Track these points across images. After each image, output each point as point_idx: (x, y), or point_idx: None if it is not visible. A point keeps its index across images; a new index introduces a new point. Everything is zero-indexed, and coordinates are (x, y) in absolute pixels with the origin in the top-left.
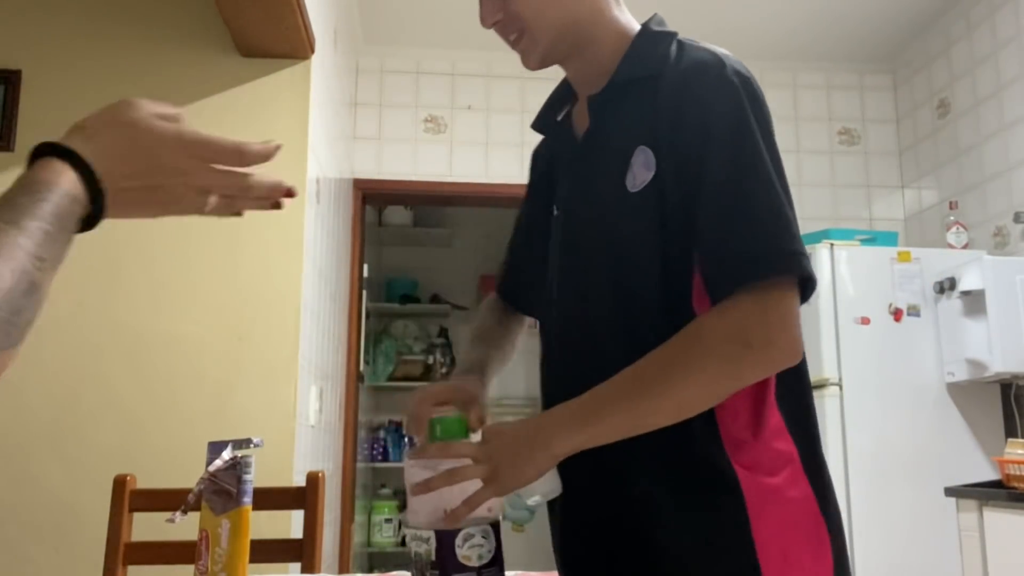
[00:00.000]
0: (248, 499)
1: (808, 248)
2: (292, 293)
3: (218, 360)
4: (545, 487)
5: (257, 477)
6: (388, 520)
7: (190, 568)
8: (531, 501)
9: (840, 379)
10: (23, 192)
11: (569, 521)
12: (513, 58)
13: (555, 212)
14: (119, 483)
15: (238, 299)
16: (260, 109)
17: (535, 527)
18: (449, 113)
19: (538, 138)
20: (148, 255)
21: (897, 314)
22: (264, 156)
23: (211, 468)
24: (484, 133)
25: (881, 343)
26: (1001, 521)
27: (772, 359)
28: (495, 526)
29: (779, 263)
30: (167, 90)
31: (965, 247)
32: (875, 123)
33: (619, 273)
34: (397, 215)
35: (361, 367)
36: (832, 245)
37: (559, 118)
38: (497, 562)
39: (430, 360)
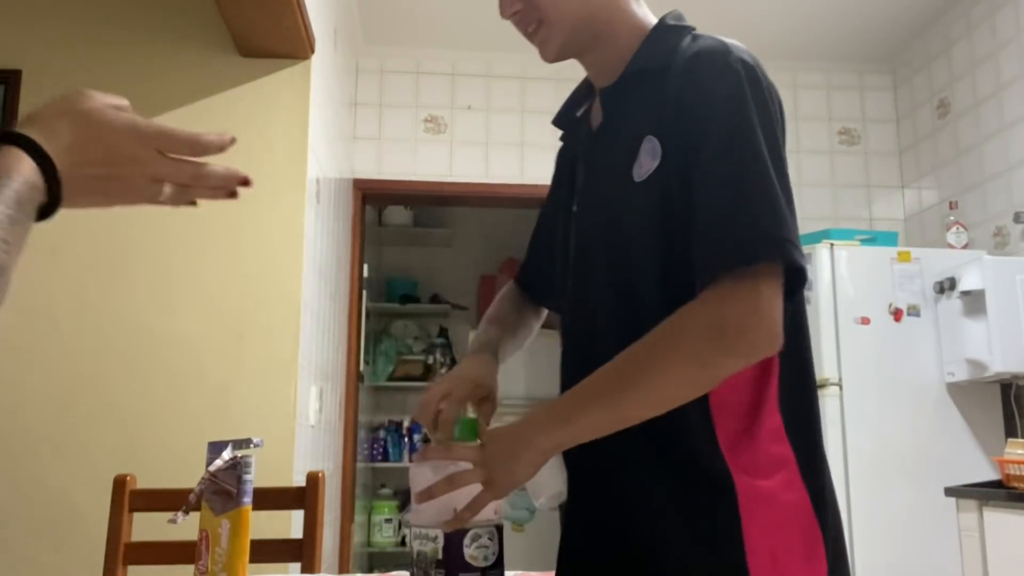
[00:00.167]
0: (248, 499)
1: (808, 248)
2: (292, 293)
3: (218, 360)
4: (550, 489)
5: (257, 477)
6: (388, 520)
7: (190, 568)
8: (538, 503)
9: (840, 379)
10: None
11: (571, 516)
12: (513, 58)
13: (574, 208)
14: (119, 483)
15: (238, 299)
16: (260, 109)
17: (535, 527)
18: (449, 113)
19: (537, 138)
20: (148, 255)
21: (897, 314)
22: (218, 147)
23: (211, 468)
24: (484, 133)
25: (881, 343)
26: (1001, 521)
27: (746, 347)
28: (499, 528)
29: (761, 249)
30: (167, 90)
31: (965, 247)
32: (875, 123)
33: (621, 264)
34: (397, 215)
35: (361, 367)
36: (832, 245)
37: (579, 114)
38: (499, 564)
39: (430, 360)
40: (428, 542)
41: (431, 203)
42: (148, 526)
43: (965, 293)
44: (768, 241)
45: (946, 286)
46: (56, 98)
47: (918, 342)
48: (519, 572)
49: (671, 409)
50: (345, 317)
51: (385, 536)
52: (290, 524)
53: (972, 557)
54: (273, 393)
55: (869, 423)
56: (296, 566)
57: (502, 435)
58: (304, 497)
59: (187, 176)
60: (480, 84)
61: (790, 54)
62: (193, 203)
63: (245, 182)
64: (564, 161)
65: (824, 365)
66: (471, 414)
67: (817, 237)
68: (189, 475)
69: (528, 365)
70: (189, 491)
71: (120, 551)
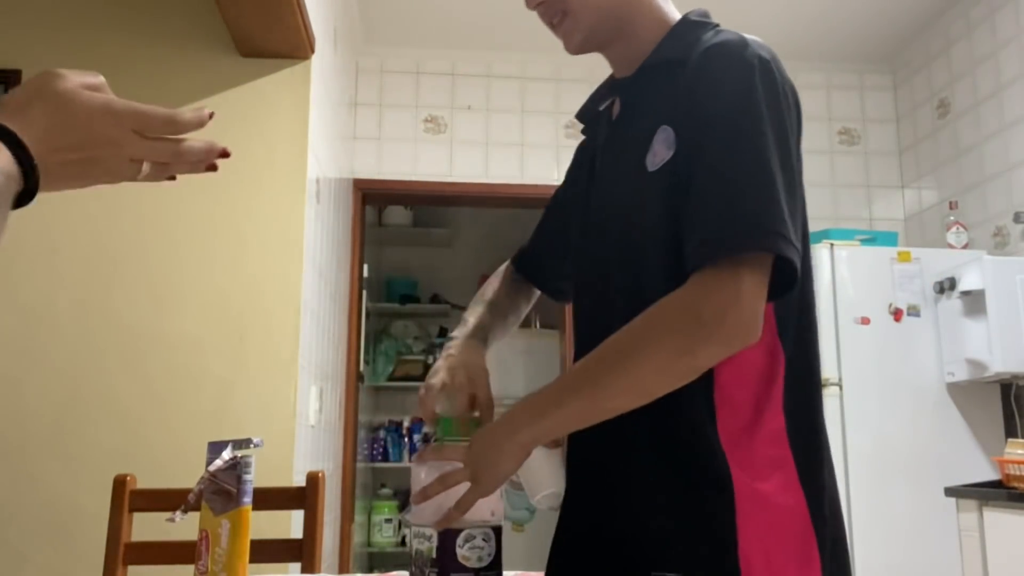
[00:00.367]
0: (248, 499)
1: None
2: (292, 293)
3: (219, 360)
4: (548, 487)
5: (257, 477)
6: (388, 520)
7: (190, 568)
8: (534, 501)
9: (840, 379)
10: None
11: (565, 511)
12: (513, 58)
13: (589, 195)
14: (119, 483)
15: (238, 299)
16: (260, 109)
17: (535, 527)
18: (449, 113)
19: (537, 138)
20: (148, 255)
21: (897, 314)
22: (196, 124)
23: (211, 468)
24: (484, 133)
25: (881, 343)
26: (1001, 521)
27: (724, 336)
28: (497, 531)
29: (746, 240)
30: (167, 90)
31: (965, 247)
32: (875, 123)
33: (631, 252)
34: (397, 215)
35: (361, 367)
36: (832, 245)
37: (601, 108)
38: (496, 567)
39: (430, 360)
40: (425, 541)
41: (431, 203)
42: (148, 526)
43: (965, 293)
44: (756, 232)
45: (946, 286)
46: (28, 82)
47: (918, 342)
48: (519, 572)
49: (652, 399)
50: (345, 317)
51: (385, 536)
52: (290, 524)
53: (972, 557)
54: (273, 393)
55: (869, 423)
56: (296, 566)
57: (485, 432)
58: (304, 497)
59: (166, 154)
60: (480, 84)
61: (790, 54)
62: (172, 178)
63: (224, 154)
64: (584, 155)
65: (824, 365)
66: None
67: (817, 237)
68: (189, 475)
69: (528, 365)
70: (189, 491)
71: (120, 551)
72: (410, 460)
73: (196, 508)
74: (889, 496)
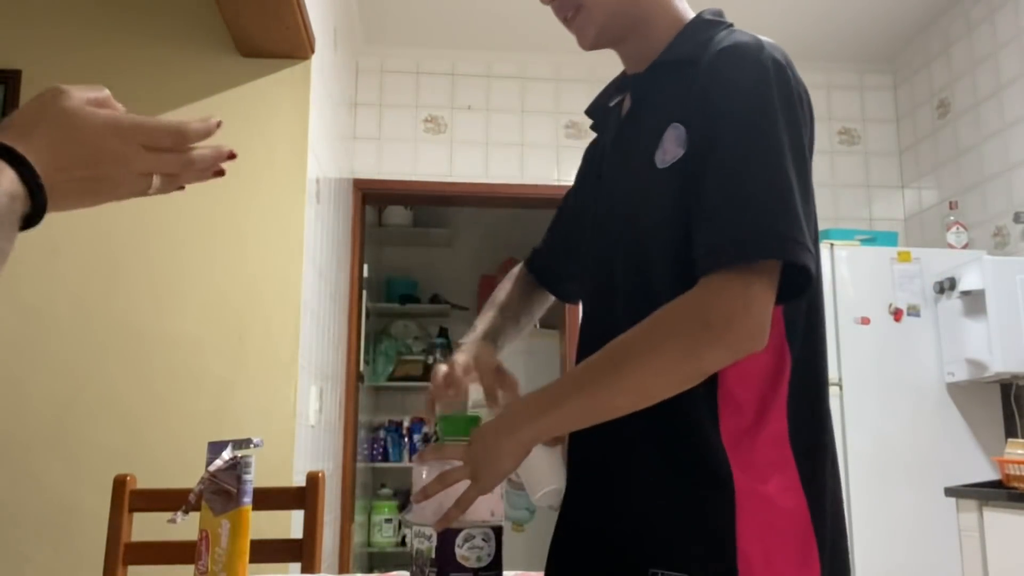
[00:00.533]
0: (248, 499)
1: None
2: (292, 293)
3: (218, 359)
4: (548, 485)
5: (257, 477)
6: (388, 520)
7: (190, 568)
8: (535, 499)
9: (840, 379)
10: None
11: (565, 509)
12: (513, 58)
13: (598, 192)
14: (119, 483)
15: (238, 299)
16: (260, 109)
17: (535, 527)
18: (449, 113)
19: (537, 138)
20: (148, 255)
21: (897, 314)
22: (204, 133)
23: (211, 468)
24: (484, 133)
25: (881, 343)
26: (1001, 521)
27: (731, 341)
28: (497, 531)
29: (760, 246)
30: (167, 90)
31: (965, 247)
32: (875, 123)
33: (639, 251)
34: (397, 215)
35: (361, 367)
36: (832, 245)
37: (611, 104)
38: (496, 567)
39: (430, 360)
40: (425, 540)
41: (431, 203)
42: (148, 526)
43: (965, 293)
44: (771, 239)
45: (946, 286)
46: (33, 100)
47: (918, 342)
48: (519, 572)
49: (655, 402)
50: (345, 317)
51: (385, 536)
52: (290, 524)
53: (972, 557)
54: (273, 393)
55: (869, 423)
56: (296, 566)
57: (484, 430)
58: (304, 497)
59: (175, 165)
60: (480, 84)
61: (791, 54)
62: (181, 188)
63: (231, 155)
64: (593, 153)
65: None
66: (471, 412)
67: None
68: (189, 475)
69: (528, 365)
70: (189, 491)
71: (120, 551)
72: (410, 460)
73: (196, 508)
74: (889, 496)
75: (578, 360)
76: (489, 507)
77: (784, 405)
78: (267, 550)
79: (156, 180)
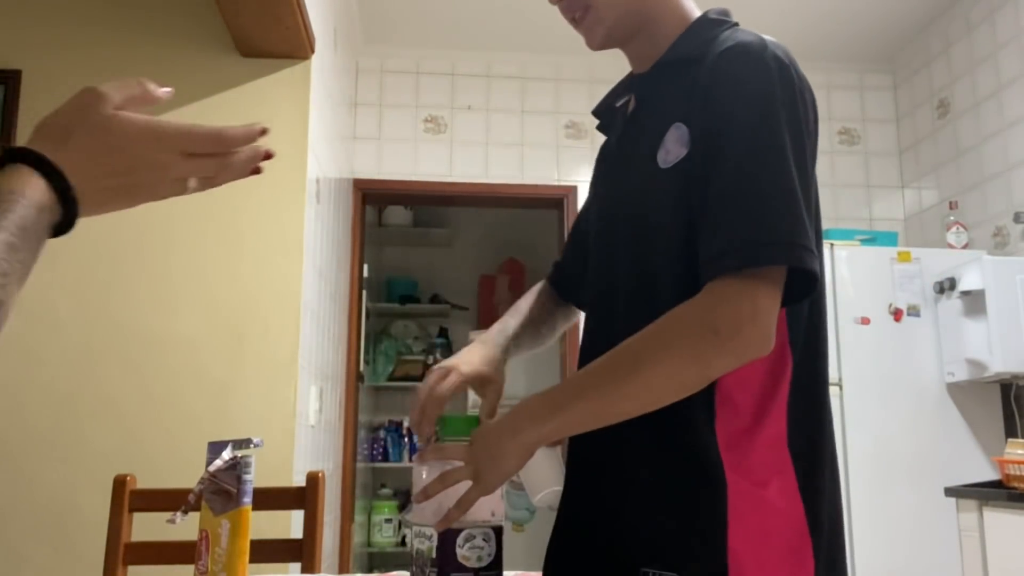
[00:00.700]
0: (248, 499)
1: None
2: (292, 293)
3: (218, 360)
4: (548, 486)
5: (257, 477)
6: (388, 520)
7: (190, 568)
8: (535, 500)
9: (840, 379)
10: None
11: (562, 508)
12: (513, 58)
13: (601, 192)
14: (119, 483)
15: (238, 299)
16: (260, 109)
17: (535, 527)
18: (449, 113)
19: (537, 138)
20: (148, 255)
21: (897, 314)
22: (246, 139)
23: (211, 468)
24: (484, 133)
25: (881, 343)
26: (1001, 521)
27: (739, 347)
28: (498, 531)
29: (767, 252)
30: None
31: (965, 247)
32: (875, 123)
33: (642, 252)
34: (397, 215)
35: (361, 367)
36: (832, 245)
37: (617, 104)
38: (496, 567)
39: (430, 360)
40: (425, 540)
41: (431, 203)
42: (148, 526)
43: (965, 293)
44: (776, 244)
45: (946, 286)
46: (70, 103)
47: (918, 342)
48: (519, 572)
49: (659, 406)
50: (345, 317)
51: (385, 536)
52: (290, 524)
53: (972, 557)
54: (273, 393)
55: (869, 423)
56: (296, 566)
57: (487, 430)
58: (304, 497)
59: (213, 169)
60: (480, 84)
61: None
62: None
63: (268, 155)
64: (601, 155)
65: None
66: (471, 411)
67: None
68: (189, 475)
69: (528, 365)
70: (189, 491)
71: (120, 551)
72: (410, 460)
73: (196, 508)
74: (889, 496)
75: (581, 358)
76: (490, 507)
77: (784, 408)
78: (267, 550)
79: (192, 182)
